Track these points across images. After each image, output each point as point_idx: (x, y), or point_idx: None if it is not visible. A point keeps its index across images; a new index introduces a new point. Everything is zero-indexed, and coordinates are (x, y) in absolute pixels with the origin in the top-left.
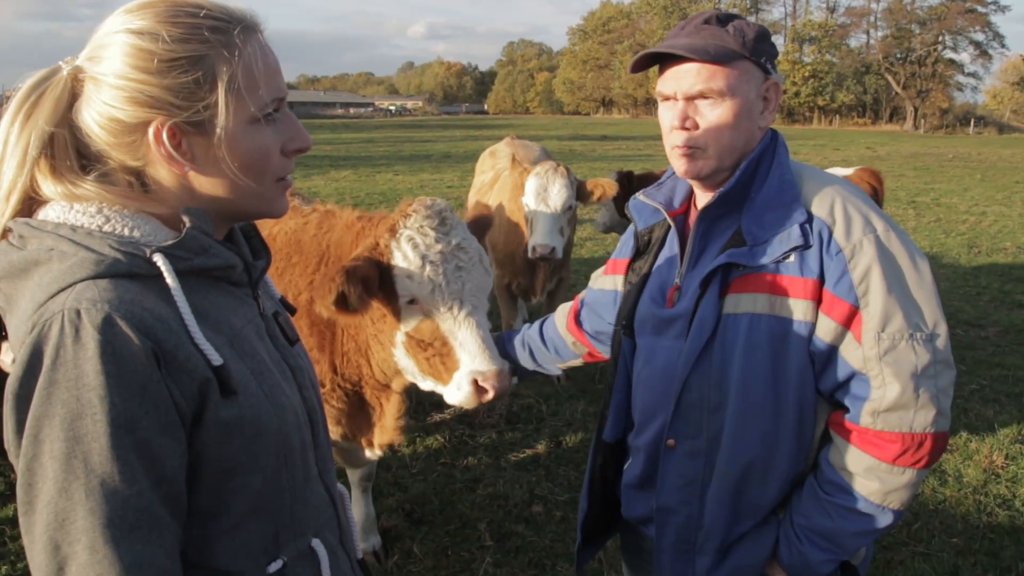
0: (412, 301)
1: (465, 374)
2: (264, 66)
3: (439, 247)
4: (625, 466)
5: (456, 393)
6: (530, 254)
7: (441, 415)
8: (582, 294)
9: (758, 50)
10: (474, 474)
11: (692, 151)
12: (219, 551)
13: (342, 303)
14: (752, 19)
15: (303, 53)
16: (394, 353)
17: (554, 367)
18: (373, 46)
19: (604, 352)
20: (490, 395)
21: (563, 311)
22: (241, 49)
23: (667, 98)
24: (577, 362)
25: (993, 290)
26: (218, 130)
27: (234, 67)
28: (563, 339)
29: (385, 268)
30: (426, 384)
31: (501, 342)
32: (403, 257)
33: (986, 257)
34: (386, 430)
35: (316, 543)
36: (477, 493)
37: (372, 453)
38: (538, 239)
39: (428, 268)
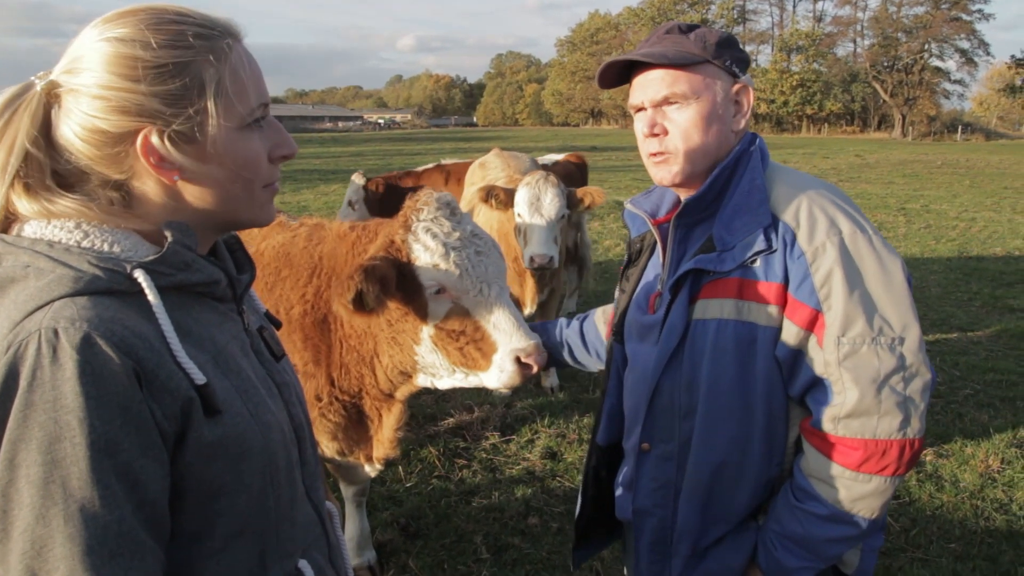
0: (440, 291)
1: (506, 353)
2: (250, 72)
3: (457, 234)
4: (620, 468)
5: (499, 375)
6: (527, 264)
7: (435, 427)
8: None
9: (721, 54)
10: (469, 487)
11: (664, 156)
12: (204, 575)
13: (359, 303)
14: (739, 29)
15: (291, 67)
16: (417, 351)
17: (593, 366)
18: (362, 59)
19: None
20: (534, 370)
21: (602, 316)
22: (227, 55)
23: (638, 109)
24: None
25: (984, 295)
26: (207, 137)
27: (221, 73)
28: (604, 343)
29: (404, 265)
30: (448, 380)
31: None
32: (424, 248)
33: (977, 263)
34: (384, 443)
35: (303, 564)
36: (472, 506)
37: (371, 469)
38: (535, 249)
39: (453, 254)
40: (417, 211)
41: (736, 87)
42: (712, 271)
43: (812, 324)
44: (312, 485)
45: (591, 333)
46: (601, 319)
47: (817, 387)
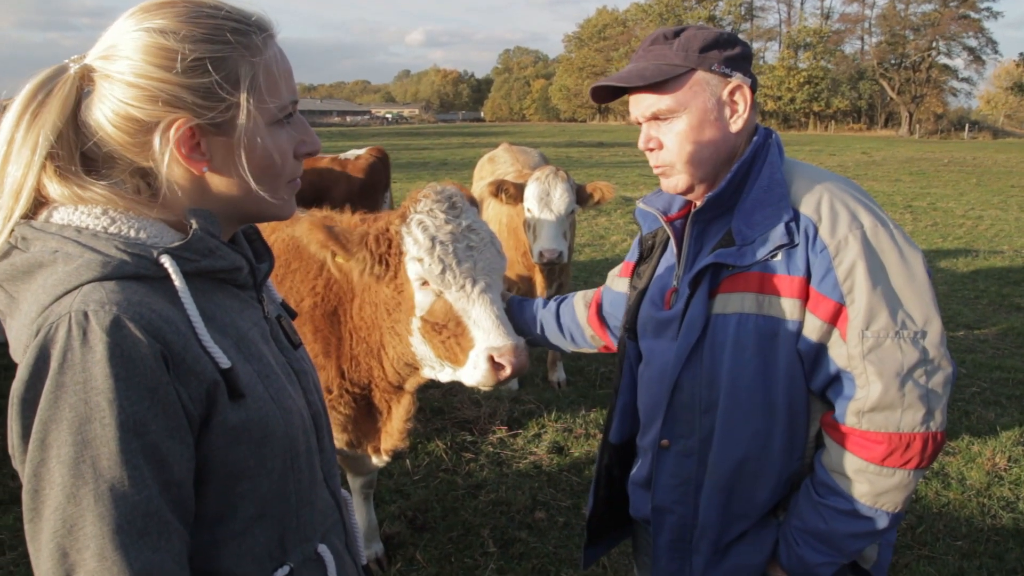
0: (424, 283)
1: (481, 351)
2: (282, 68)
3: (449, 228)
4: (634, 466)
5: (473, 373)
6: (536, 259)
7: (443, 421)
8: (604, 287)
9: (704, 59)
10: (476, 480)
11: (663, 169)
12: (225, 556)
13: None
14: (747, 26)
15: (300, 61)
16: (411, 342)
17: (567, 348)
18: (370, 54)
19: None
20: (507, 371)
21: (582, 301)
22: (262, 51)
23: (637, 121)
24: (590, 350)
25: (991, 293)
26: (238, 131)
27: (256, 69)
28: (581, 329)
29: (397, 256)
30: (444, 373)
31: (511, 308)
32: (413, 241)
33: (983, 261)
34: (392, 434)
35: (322, 548)
36: (479, 499)
37: (379, 460)
38: (545, 244)
39: (438, 248)
40: (416, 202)
41: (727, 88)
42: (732, 265)
43: (835, 318)
44: (329, 472)
45: (567, 316)
46: (581, 302)
47: (839, 381)
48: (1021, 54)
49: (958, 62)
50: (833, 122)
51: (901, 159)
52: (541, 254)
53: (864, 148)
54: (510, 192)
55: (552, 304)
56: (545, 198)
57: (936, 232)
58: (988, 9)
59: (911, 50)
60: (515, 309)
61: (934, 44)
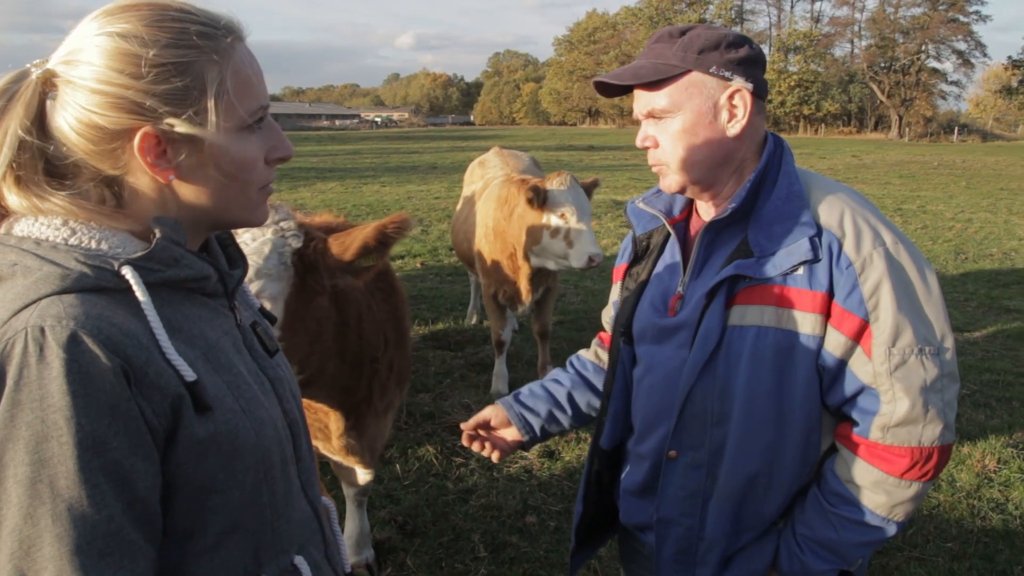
0: None
1: None
2: (251, 73)
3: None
4: (624, 472)
5: None
6: (584, 264)
7: (432, 426)
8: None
9: (705, 60)
10: (466, 485)
11: (659, 167)
12: (197, 572)
13: None
14: (737, 29)
15: (288, 64)
16: None
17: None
18: (359, 57)
19: None
20: None
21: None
22: (230, 55)
23: (638, 119)
24: None
25: (981, 296)
26: (206, 138)
27: (223, 74)
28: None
29: None
30: None
31: (531, 398)
32: None
33: (973, 263)
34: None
35: (299, 560)
36: (470, 504)
37: (365, 473)
38: (593, 248)
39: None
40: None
41: (727, 91)
42: (751, 277)
43: (859, 334)
44: (308, 481)
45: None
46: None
47: (862, 397)
48: (1009, 57)
49: (947, 65)
50: (823, 125)
51: (891, 162)
52: (591, 259)
53: (854, 151)
54: (542, 197)
55: (570, 378)
56: (580, 204)
57: (926, 235)
58: (977, 13)
59: (900, 53)
60: (531, 403)
61: (923, 48)
